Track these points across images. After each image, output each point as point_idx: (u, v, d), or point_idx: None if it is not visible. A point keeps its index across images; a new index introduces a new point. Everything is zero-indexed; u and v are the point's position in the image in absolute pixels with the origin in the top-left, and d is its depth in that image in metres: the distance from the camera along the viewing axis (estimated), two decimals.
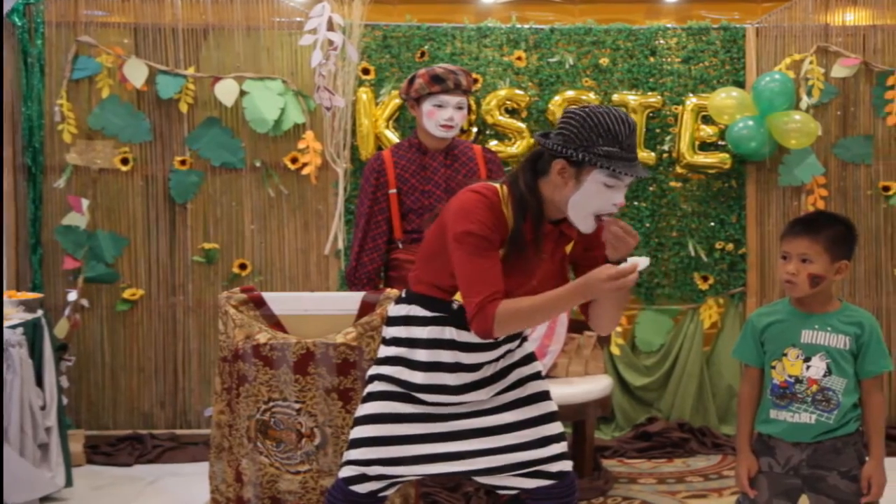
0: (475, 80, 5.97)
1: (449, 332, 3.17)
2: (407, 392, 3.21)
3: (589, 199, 3.02)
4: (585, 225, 3.07)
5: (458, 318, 3.15)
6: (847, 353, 3.20)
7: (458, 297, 3.13)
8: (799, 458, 3.24)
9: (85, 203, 5.82)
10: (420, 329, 3.19)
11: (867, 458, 3.23)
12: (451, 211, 3.10)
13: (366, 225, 4.85)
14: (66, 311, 5.73)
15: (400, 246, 4.83)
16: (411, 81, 4.82)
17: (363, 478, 3.24)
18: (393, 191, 4.80)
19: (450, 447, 3.24)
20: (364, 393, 3.30)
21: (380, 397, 3.24)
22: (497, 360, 3.25)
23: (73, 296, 5.75)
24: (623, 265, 2.90)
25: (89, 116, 5.93)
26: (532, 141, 5.94)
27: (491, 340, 3.17)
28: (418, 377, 3.18)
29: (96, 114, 5.93)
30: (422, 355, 3.18)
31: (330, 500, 3.31)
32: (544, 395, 3.36)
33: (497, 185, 3.13)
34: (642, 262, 2.90)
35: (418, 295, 3.23)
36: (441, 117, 4.71)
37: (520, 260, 3.09)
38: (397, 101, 5.86)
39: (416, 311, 3.21)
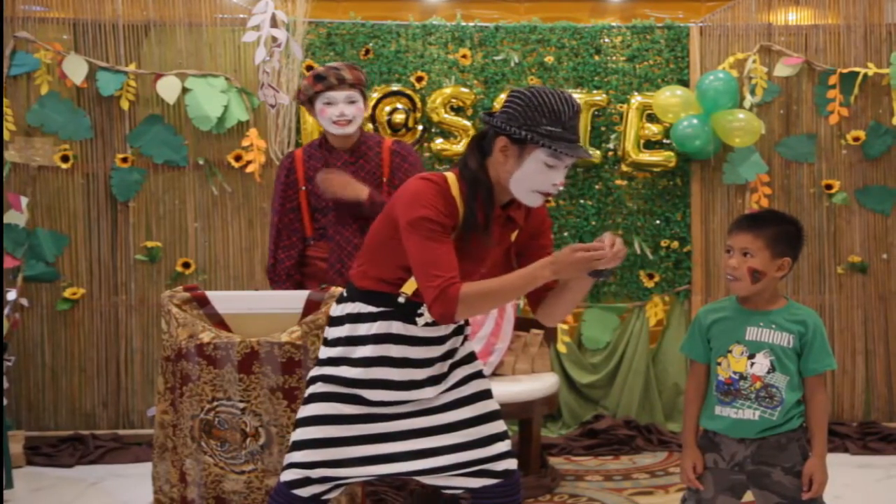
0: (420, 78, 5.99)
1: (396, 327, 3.15)
2: (350, 392, 3.18)
3: (530, 178, 3.07)
4: (530, 200, 3.12)
5: (404, 312, 3.15)
6: (791, 350, 3.22)
7: (404, 289, 3.13)
8: (743, 454, 3.26)
9: (24, 201, 5.74)
10: (366, 325, 3.17)
11: (810, 455, 3.26)
12: (401, 199, 3.09)
13: (279, 222, 4.86)
14: (6, 311, 5.64)
15: (310, 242, 4.83)
16: (300, 86, 4.83)
17: (306, 481, 3.21)
18: (303, 188, 4.79)
19: (394, 448, 3.22)
20: (305, 394, 3.27)
21: (322, 398, 3.21)
22: (443, 357, 3.24)
23: (12, 295, 5.67)
24: (594, 242, 2.96)
25: (28, 113, 5.85)
26: None
27: (440, 334, 3.19)
28: (361, 373, 3.16)
29: (35, 110, 5.85)
30: (365, 351, 3.16)
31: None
32: (486, 394, 3.35)
33: (444, 174, 3.14)
34: (608, 237, 2.96)
35: (363, 291, 3.20)
36: (332, 114, 4.70)
37: (470, 246, 3.09)
38: None
39: (362, 307, 3.19)
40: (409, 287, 3.13)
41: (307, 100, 4.77)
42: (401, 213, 3.06)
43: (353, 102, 4.71)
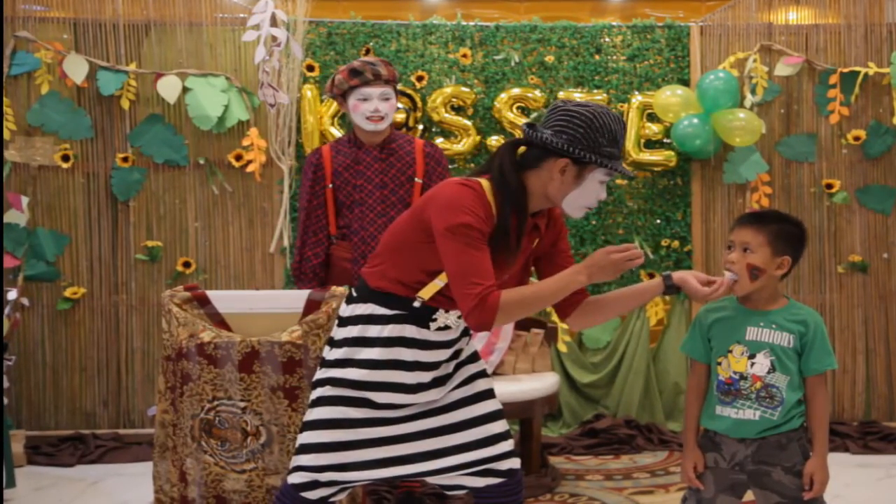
0: (421, 78, 5.99)
1: (409, 331, 3.13)
2: (358, 395, 3.16)
3: (586, 195, 3.14)
4: (578, 214, 3.20)
5: (418, 317, 3.13)
6: (791, 350, 3.21)
7: (422, 293, 3.11)
8: (744, 453, 3.26)
9: (25, 200, 5.73)
10: (377, 328, 3.14)
11: (811, 454, 3.26)
12: (436, 204, 3.04)
13: (306, 219, 4.86)
14: (6, 310, 5.64)
15: (333, 241, 4.83)
16: (333, 79, 4.82)
17: (315, 484, 3.20)
18: (329, 185, 4.79)
19: (401, 450, 3.21)
20: (312, 397, 3.25)
21: (330, 402, 3.19)
22: (449, 358, 3.24)
23: (12, 294, 5.66)
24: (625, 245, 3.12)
25: (28, 113, 5.85)
26: (477, 139, 5.95)
27: (450, 338, 3.20)
28: (366, 374, 3.14)
29: (35, 110, 5.85)
30: (372, 353, 3.14)
31: None
32: (490, 394, 3.35)
33: (478, 180, 3.11)
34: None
35: (377, 292, 3.17)
36: (366, 110, 4.71)
37: (498, 253, 3.07)
38: None
39: (375, 309, 3.16)
40: (427, 292, 3.10)
41: (340, 94, 4.77)
42: (437, 218, 3.01)
43: (387, 99, 4.73)
